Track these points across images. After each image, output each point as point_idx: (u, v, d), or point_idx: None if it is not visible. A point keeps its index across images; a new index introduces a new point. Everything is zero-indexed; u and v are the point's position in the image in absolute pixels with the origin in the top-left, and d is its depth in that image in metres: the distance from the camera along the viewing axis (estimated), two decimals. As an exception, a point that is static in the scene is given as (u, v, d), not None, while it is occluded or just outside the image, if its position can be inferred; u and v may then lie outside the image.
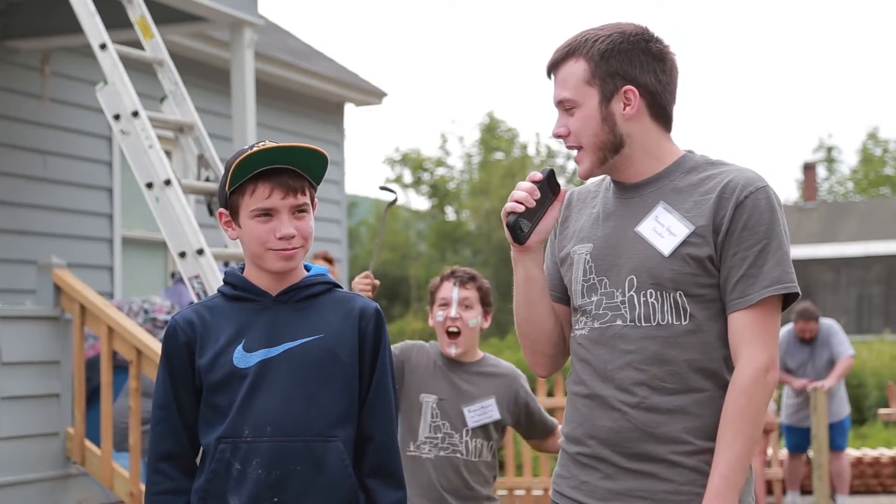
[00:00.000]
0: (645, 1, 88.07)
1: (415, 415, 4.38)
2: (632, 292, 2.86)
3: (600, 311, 2.90)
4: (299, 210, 2.95)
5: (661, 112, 2.93)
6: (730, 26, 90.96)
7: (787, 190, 52.18)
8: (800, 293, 2.86)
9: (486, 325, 4.46)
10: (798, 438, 10.36)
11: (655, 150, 2.93)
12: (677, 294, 2.84)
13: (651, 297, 2.85)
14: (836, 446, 10.18)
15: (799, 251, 32.77)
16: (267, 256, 2.96)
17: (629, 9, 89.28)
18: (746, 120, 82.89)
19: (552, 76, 2.97)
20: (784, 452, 10.70)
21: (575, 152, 2.96)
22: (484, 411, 4.37)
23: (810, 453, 10.21)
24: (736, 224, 2.82)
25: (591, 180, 3.09)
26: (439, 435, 4.35)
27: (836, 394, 10.18)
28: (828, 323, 10.30)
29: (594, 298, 2.91)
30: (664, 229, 2.86)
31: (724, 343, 2.87)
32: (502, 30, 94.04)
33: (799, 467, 10.49)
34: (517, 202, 2.91)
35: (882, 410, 10.85)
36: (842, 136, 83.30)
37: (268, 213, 2.93)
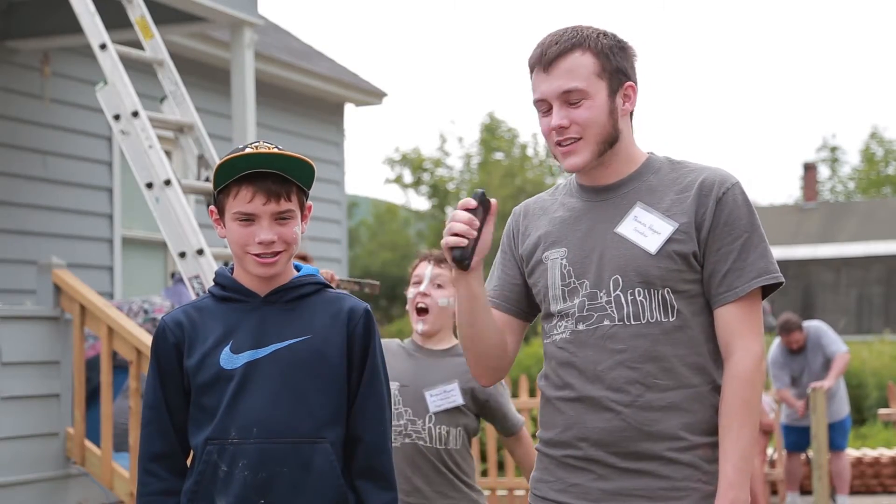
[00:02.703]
0: (647, 1, 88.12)
1: None
2: (618, 292, 2.87)
3: (584, 313, 2.90)
4: (282, 216, 2.92)
5: (633, 111, 2.99)
6: (733, 25, 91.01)
7: (790, 189, 52.18)
8: (784, 282, 2.90)
9: None
10: (796, 437, 10.36)
11: (632, 150, 2.97)
12: (665, 291, 2.86)
13: (639, 296, 2.86)
14: (836, 446, 10.17)
15: (799, 251, 32.76)
16: (246, 260, 2.94)
17: (631, 9, 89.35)
18: (751, 119, 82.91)
19: (548, 69, 2.91)
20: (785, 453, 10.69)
21: (566, 145, 2.90)
22: (446, 396, 4.22)
23: (810, 453, 10.20)
24: (718, 220, 2.86)
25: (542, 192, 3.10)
26: (402, 422, 4.20)
27: (836, 394, 10.17)
28: (814, 326, 10.27)
29: (576, 301, 2.91)
30: (646, 228, 2.88)
31: (709, 338, 2.90)
32: (502, 30, 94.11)
33: (797, 466, 10.48)
34: (459, 236, 2.85)
35: (882, 410, 10.83)
36: (846, 136, 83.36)
37: (249, 217, 2.91)
